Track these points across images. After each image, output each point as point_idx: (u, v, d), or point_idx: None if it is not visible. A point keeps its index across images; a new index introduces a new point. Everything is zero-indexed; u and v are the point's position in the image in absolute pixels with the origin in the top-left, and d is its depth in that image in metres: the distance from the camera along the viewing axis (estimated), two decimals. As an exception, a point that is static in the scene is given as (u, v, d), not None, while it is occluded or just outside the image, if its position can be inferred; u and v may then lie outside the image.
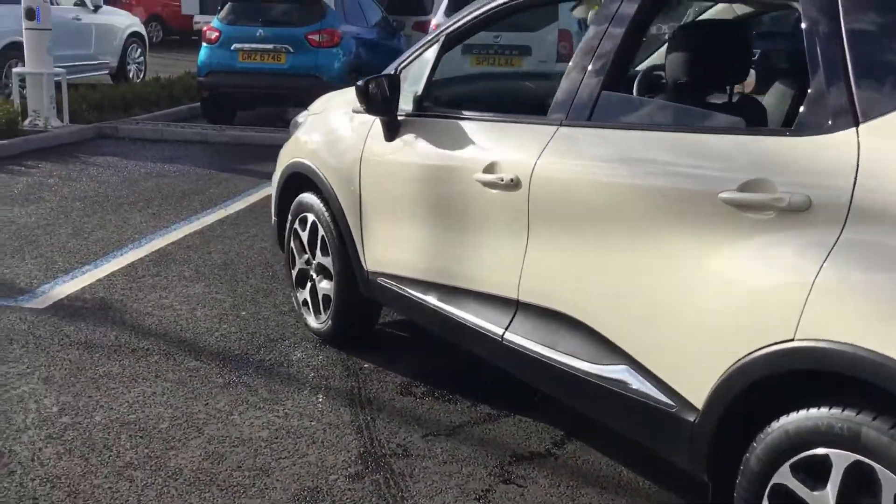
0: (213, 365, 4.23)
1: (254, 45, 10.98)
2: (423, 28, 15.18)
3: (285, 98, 11.47)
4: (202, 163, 9.03)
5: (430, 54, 3.75)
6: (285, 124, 12.36)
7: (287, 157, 4.62)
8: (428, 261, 3.63)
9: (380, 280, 3.97)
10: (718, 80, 3.15)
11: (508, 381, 3.65)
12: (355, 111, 4.13)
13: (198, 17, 19.89)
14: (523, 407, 3.83)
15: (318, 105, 4.68)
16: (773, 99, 3.41)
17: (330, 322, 4.37)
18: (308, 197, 4.40)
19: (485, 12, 3.54)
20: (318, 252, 4.37)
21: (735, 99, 3.22)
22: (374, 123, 3.96)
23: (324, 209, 4.26)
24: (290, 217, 4.60)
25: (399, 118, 3.77)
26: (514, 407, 3.83)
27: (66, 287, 5.24)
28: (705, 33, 3.29)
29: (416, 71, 3.86)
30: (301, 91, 10.91)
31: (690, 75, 3.05)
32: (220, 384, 4.03)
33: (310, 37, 10.92)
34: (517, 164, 3.12)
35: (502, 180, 3.14)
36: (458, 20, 3.66)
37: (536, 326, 3.11)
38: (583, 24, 4.23)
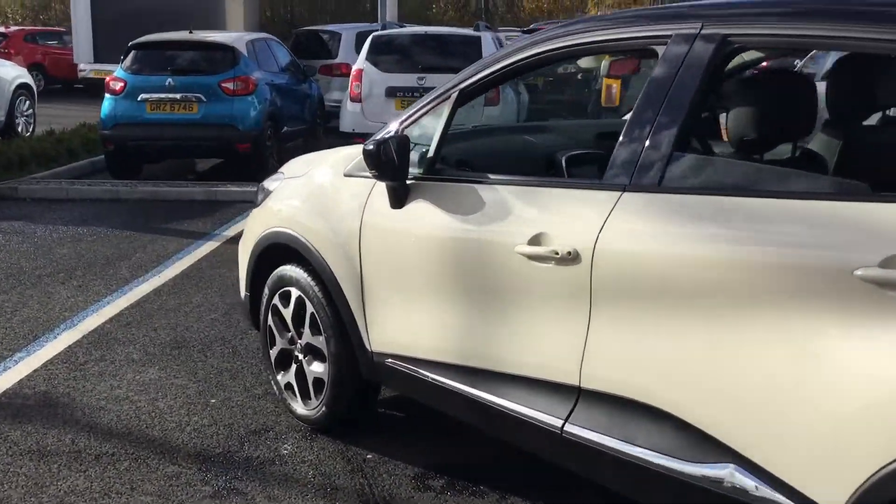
0: (195, 468, 3.71)
1: (163, 95, 10.36)
2: (329, 72, 14.79)
3: (198, 150, 10.90)
4: (118, 223, 8.37)
5: (442, 111, 3.37)
6: (197, 177, 11.87)
7: (262, 225, 4.15)
8: (456, 342, 3.23)
9: (389, 362, 3.54)
10: (787, 134, 2.88)
11: (532, 466, 3.27)
12: (348, 174, 3.72)
13: (84, 66, 18.95)
14: (557, 492, 3.46)
15: (294, 167, 4.24)
16: (820, 150, 3.17)
17: (324, 408, 3.90)
18: (291, 270, 3.94)
19: (510, 64, 3.19)
20: (307, 331, 3.91)
21: (797, 153, 2.96)
22: (374, 189, 3.55)
23: (313, 284, 3.82)
24: (266, 292, 4.13)
25: (407, 183, 3.38)
26: (547, 493, 3.46)
27: (0, 381, 4.61)
28: (773, 84, 3.02)
29: (424, 129, 3.49)
30: (215, 142, 10.42)
31: (759, 130, 2.77)
32: (209, 493, 3.51)
33: (223, 85, 10.38)
34: (574, 235, 2.76)
35: (556, 254, 2.78)
36: (476, 73, 3.30)
37: (605, 417, 2.75)
38: (594, 76, 3.87)
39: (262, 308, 4.19)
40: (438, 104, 3.42)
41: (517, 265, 2.93)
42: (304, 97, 12.51)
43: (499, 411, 3.06)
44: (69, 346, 5.11)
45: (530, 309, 2.93)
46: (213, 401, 4.37)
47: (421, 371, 3.38)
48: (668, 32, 2.73)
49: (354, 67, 10.18)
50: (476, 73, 3.30)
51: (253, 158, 10.58)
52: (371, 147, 3.25)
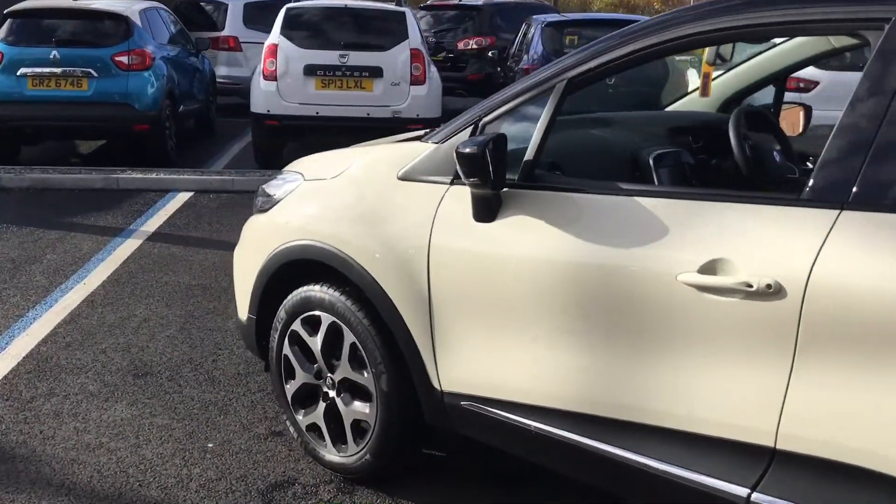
0: (221, 541, 3.02)
1: (46, 70, 9.22)
2: (216, 45, 13.74)
3: (88, 131, 9.82)
4: (11, 217, 7.32)
5: (542, 103, 2.79)
6: (82, 161, 10.68)
7: (275, 237, 3.44)
8: (580, 387, 2.66)
9: (466, 405, 2.94)
10: None
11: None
12: (406, 178, 3.08)
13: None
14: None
15: (315, 168, 3.53)
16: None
17: (368, 457, 3.26)
18: (321, 291, 3.28)
19: (644, 49, 2.62)
20: (344, 363, 3.26)
21: None
22: (447, 196, 2.94)
23: (355, 308, 3.17)
24: (283, 316, 3.44)
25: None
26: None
27: (-70, 430, 3.73)
28: None
29: (515, 126, 2.90)
30: (109, 122, 9.40)
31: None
32: (253, 574, 2.84)
33: (117, 58, 9.33)
34: (772, 264, 2.25)
35: (749, 287, 2.25)
36: (592, 58, 2.71)
37: (812, 486, 2.25)
38: (717, 57, 3.31)
39: (275, 335, 3.50)
40: (536, 95, 2.83)
41: (681, 297, 2.39)
42: (197, 72, 11.50)
43: (644, 472, 2.52)
44: (5, 377, 4.24)
45: (701, 351, 2.40)
46: (210, 445, 3.64)
47: (519, 419, 2.80)
48: (887, 15, 2.24)
49: (267, 42, 9.32)
50: (593, 59, 2.72)
51: (150, 141, 9.60)
52: (472, 150, 2.63)
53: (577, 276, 2.62)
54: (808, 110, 3.74)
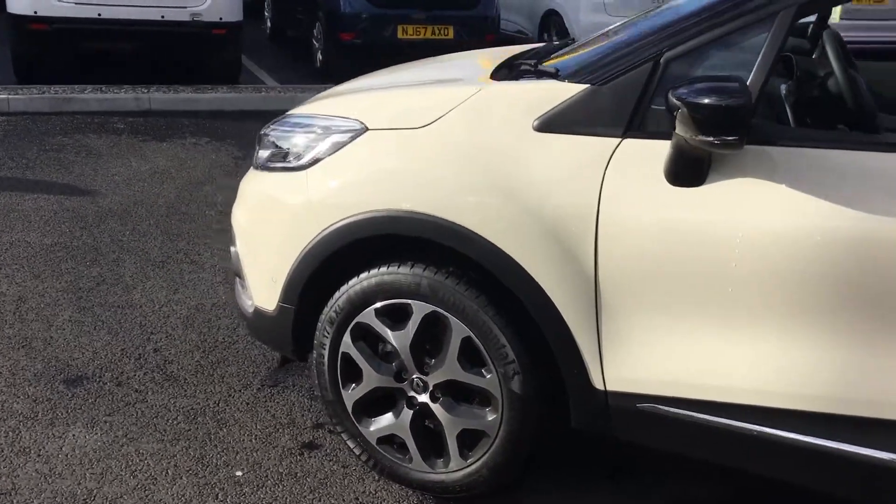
0: None
1: None
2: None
3: None
4: None
5: (758, 38, 2.24)
6: None
7: (328, 207, 2.62)
8: (837, 384, 2.21)
9: (646, 407, 2.41)
10: None
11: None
12: (544, 129, 2.41)
13: None
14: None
15: (383, 111, 2.67)
16: None
17: (485, 471, 2.64)
18: (415, 274, 2.56)
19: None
20: (450, 362, 2.58)
21: None
22: (618, 154, 2.33)
23: (472, 296, 2.50)
24: (342, 306, 2.68)
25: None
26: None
27: None
28: None
29: (709, 64, 2.33)
30: None
31: None
32: None
33: None
34: None
35: None
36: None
37: None
38: None
39: (328, 329, 2.73)
40: (744, 26, 2.27)
41: None
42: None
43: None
44: None
45: None
46: (238, 473, 2.83)
47: (732, 422, 2.31)
48: None
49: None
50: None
51: None
52: (726, 100, 2.05)
53: (836, 252, 2.15)
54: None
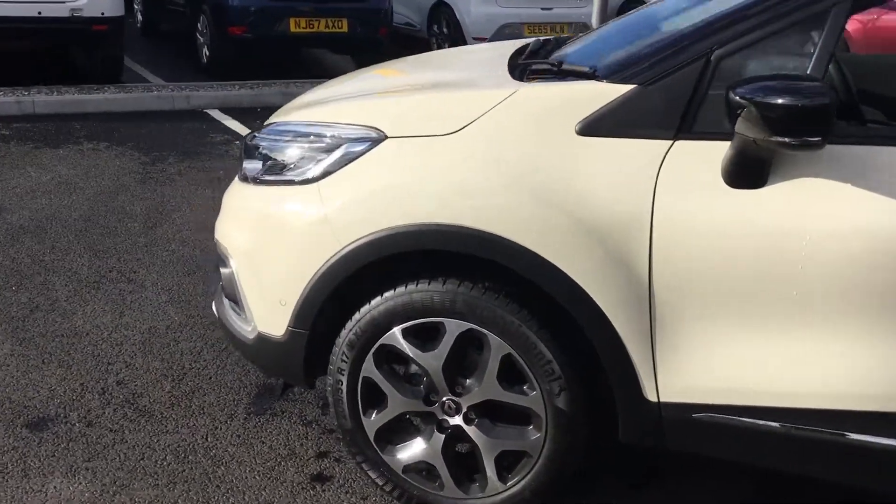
0: None
1: None
2: None
3: None
4: None
5: (810, 33, 2.18)
6: None
7: (347, 224, 2.42)
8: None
9: (703, 416, 2.32)
10: None
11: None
12: (588, 132, 2.28)
13: None
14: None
15: (403, 119, 2.46)
16: None
17: (527, 493, 2.51)
18: (448, 291, 2.40)
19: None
20: (490, 382, 2.43)
21: None
22: (671, 156, 2.23)
23: (513, 311, 2.36)
24: (363, 328, 2.49)
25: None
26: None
27: None
28: None
29: (761, 61, 2.26)
30: None
31: None
32: None
33: None
34: None
35: None
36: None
37: None
38: None
39: (347, 353, 2.54)
40: (795, 22, 2.20)
41: None
42: None
43: None
44: None
45: None
46: (252, 515, 2.60)
47: (805, 427, 2.26)
48: None
49: None
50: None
51: None
52: (807, 100, 1.98)
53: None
54: None
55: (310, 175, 2.54)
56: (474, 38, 9.95)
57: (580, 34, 3.38)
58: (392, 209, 2.41)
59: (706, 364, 2.30)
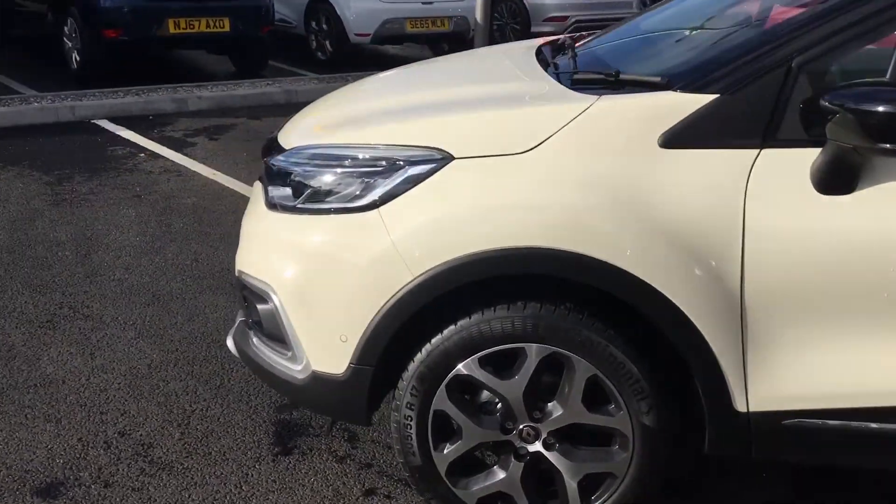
0: None
1: None
2: None
3: None
4: None
5: None
6: None
7: (415, 255, 2.28)
8: None
9: (793, 423, 2.33)
10: None
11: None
12: (671, 145, 2.24)
13: None
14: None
15: (464, 139, 2.32)
16: None
17: (615, 518, 2.46)
18: (528, 315, 2.30)
19: None
20: (574, 405, 2.36)
21: None
22: (759, 164, 2.22)
23: (599, 331, 2.30)
24: (434, 360, 2.37)
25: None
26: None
27: None
28: None
29: (845, 68, 2.26)
30: None
31: None
32: None
33: None
34: None
35: None
36: None
37: None
38: None
39: (417, 387, 2.40)
40: (880, 25, 2.22)
41: None
42: None
43: None
44: None
45: None
46: (323, 569, 2.43)
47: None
48: None
49: None
50: None
51: None
52: (888, 108, 2.00)
53: None
54: None
55: (367, 201, 2.38)
56: (357, 35, 9.78)
57: (594, 33, 3.31)
58: (470, 234, 2.29)
59: (797, 371, 2.30)
